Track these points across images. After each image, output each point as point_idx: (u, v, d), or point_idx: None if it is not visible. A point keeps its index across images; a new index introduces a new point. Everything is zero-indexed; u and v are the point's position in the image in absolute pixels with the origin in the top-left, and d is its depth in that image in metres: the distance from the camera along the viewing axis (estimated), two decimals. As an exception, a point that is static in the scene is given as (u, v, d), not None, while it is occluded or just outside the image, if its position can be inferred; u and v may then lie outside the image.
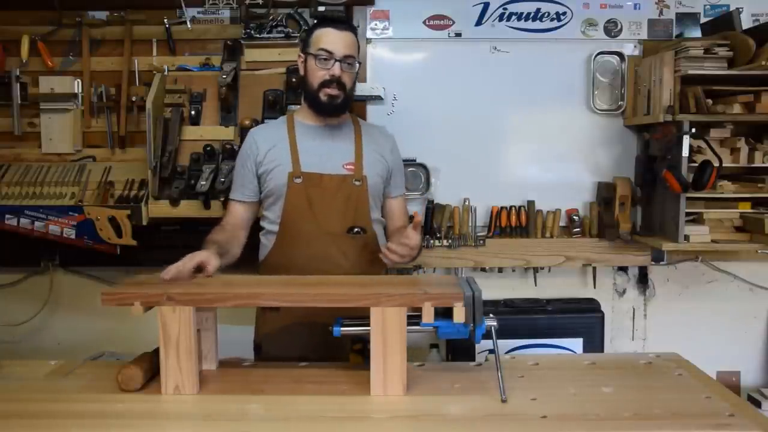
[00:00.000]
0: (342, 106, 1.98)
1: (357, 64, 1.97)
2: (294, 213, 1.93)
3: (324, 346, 1.80)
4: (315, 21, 2.09)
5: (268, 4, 2.69)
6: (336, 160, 1.98)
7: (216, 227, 1.97)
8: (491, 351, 1.51)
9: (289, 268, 1.89)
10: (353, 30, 1.98)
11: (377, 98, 2.72)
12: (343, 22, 2.01)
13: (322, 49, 1.91)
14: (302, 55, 2.00)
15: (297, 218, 1.93)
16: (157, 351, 1.50)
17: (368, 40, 2.75)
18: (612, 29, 2.78)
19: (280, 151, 1.97)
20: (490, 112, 2.80)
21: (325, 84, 1.92)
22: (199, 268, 1.69)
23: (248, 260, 2.02)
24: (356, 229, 1.96)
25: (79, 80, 2.76)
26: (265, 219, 2.04)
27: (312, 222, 1.93)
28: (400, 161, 2.14)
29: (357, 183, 1.96)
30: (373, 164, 2.01)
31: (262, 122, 2.63)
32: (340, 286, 1.59)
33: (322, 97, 1.93)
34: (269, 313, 1.97)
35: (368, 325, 1.46)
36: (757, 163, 2.54)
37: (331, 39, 1.92)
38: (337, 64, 1.91)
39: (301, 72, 2.01)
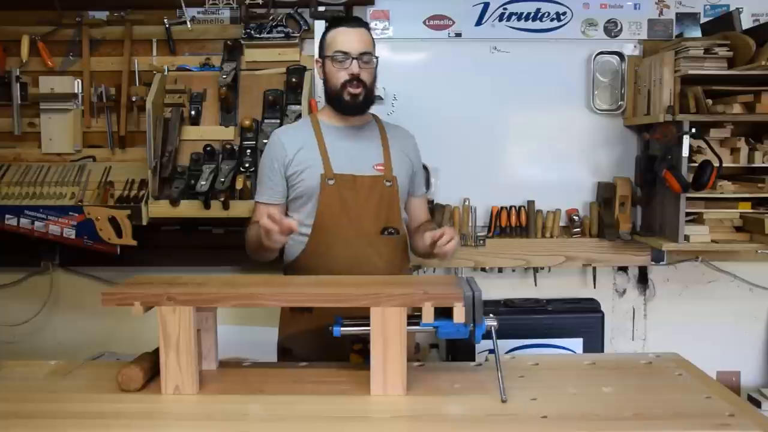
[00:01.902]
0: (365, 104, 1.97)
1: (374, 59, 1.96)
2: (329, 215, 1.91)
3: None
4: (327, 24, 2.08)
5: (268, 4, 2.69)
6: (366, 161, 1.97)
7: (252, 224, 1.95)
8: (491, 351, 1.51)
9: (324, 270, 1.87)
10: (366, 26, 1.98)
11: (377, 98, 2.69)
12: (354, 19, 1.99)
13: (338, 51, 1.91)
14: (319, 60, 1.99)
15: (332, 220, 1.92)
16: (157, 351, 1.50)
17: (368, 40, 2.76)
18: (612, 29, 2.78)
19: (309, 152, 1.95)
20: (490, 112, 2.80)
21: (346, 84, 1.91)
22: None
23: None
24: (390, 230, 1.96)
25: (79, 80, 2.76)
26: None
27: (347, 223, 1.92)
28: (420, 159, 2.15)
29: (388, 184, 1.96)
30: (401, 165, 2.02)
31: (262, 122, 2.64)
32: (341, 286, 1.59)
33: (345, 96, 1.92)
34: (299, 315, 1.93)
35: (368, 325, 1.46)
36: (757, 163, 2.54)
37: (344, 39, 1.91)
38: (355, 62, 1.90)
39: (320, 76, 2.00)
